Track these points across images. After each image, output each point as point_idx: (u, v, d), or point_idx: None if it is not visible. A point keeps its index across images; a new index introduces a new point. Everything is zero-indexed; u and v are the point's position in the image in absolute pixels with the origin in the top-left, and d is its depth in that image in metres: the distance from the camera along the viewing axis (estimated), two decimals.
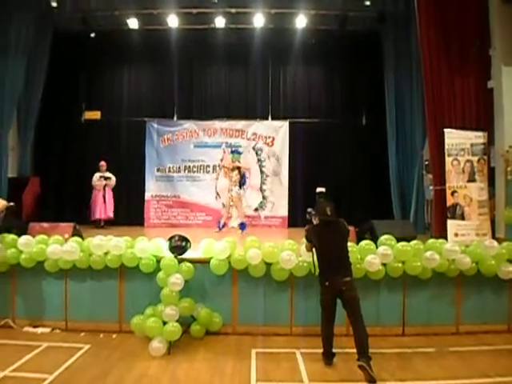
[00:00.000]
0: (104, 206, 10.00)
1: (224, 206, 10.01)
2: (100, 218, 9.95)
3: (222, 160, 11.06)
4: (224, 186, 10.57)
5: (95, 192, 10.07)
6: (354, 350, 4.34)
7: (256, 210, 11.09)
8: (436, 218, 7.81)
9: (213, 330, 5.46)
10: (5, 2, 8.43)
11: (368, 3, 9.28)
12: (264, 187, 11.14)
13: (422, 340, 5.36)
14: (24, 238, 5.79)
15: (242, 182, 10.08)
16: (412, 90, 9.64)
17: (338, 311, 4.60)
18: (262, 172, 11.17)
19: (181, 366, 4.59)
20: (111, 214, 10.10)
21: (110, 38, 10.98)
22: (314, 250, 4.76)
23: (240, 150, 11.02)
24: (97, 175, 10.09)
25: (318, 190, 5.11)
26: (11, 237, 5.88)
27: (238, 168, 10.08)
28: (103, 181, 10.05)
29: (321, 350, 4.68)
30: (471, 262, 5.54)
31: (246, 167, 10.71)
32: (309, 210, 4.97)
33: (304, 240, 5.01)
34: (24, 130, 10.52)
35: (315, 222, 4.83)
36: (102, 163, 10.18)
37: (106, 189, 10.13)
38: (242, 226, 9.65)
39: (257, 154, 11.16)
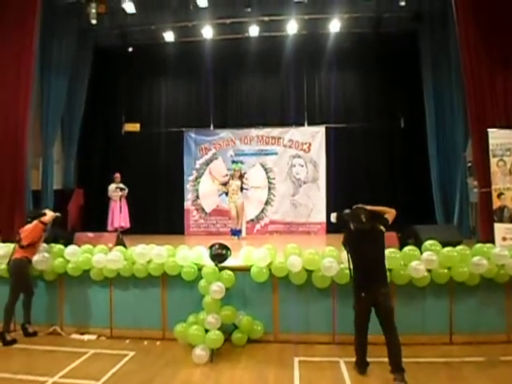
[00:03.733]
0: (120, 215, 10.21)
1: (232, 216, 10.01)
2: (117, 227, 10.11)
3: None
4: (207, 191, 10.91)
5: (112, 203, 10.24)
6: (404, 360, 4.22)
7: (256, 218, 11.19)
8: (482, 221, 7.51)
9: (254, 337, 5.44)
10: (47, 23, 8.80)
11: (403, 3, 9.10)
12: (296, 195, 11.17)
13: (471, 349, 5.13)
14: (70, 248, 6.00)
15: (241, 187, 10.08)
16: (452, 90, 9.36)
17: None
18: (292, 182, 11.19)
19: (224, 374, 4.60)
20: (127, 224, 10.24)
21: (147, 52, 11.30)
22: (349, 256, 4.64)
23: (241, 159, 10.93)
24: (113, 186, 10.26)
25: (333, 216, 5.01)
26: (58, 247, 6.12)
27: (241, 177, 10.05)
28: (119, 191, 10.25)
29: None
30: None
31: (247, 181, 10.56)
32: (346, 211, 4.79)
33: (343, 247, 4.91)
34: (68, 144, 10.96)
35: (352, 227, 4.64)
36: (117, 175, 10.34)
37: (122, 199, 10.33)
38: (237, 232, 9.78)
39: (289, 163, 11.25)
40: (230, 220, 10.14)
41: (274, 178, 11.25)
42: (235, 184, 9.87)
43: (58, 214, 6.20)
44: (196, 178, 11.43)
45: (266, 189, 11.25)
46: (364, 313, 4.45)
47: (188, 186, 11.42)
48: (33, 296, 5.79)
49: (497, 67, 7.46)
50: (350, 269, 4.63)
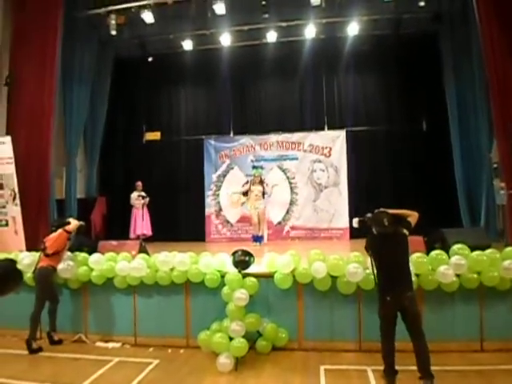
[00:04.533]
0: (142, 223, 10.25)
1: (253, 222, 9.94)
2: (139, 234, 10.13)
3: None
4: (229, 203, 10.91)
5: (134, 210, 10.31)
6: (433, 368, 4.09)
7: (279, 223, 11.11)
8: (511, 223, 7.30)
9: (279, 345, 5.36)
10: (68, 35, 8.98)
11: (422, 4, 8.98)
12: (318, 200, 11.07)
13: (503, 356, 4.94)
14: (94, 256, 6.04)
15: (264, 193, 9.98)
16: (475, 90, 9.15)
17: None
18: (314, 187, 11.09)
19: (248, 382, 4.53)
20: (149, 232, 10.29)
21: (166, 61, 11.42)
22: (373, 260, 4.54)
23: (261, 164, 10.92)
24: (135, 194, 10.35)
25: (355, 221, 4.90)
26: (82, 255, 6.16)
27: (261, 183, 9.95)
28: (141, 199, 10.32)
29: None
30: None
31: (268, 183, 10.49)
32: (368, 215, 4.70)
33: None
34: (90, 153, 11.13)
35: (375, 231, 4.54)
36: (138, 183, 10.42)
37: (144, 207, 10.37)
38: (258, 238, 9.71)
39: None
40: (252, 226, 10.09)
41: (293, 178, 11.16)
42: (257, 189, 9.78)
43: (81, 222, 6.27)
44: (215, 191, 11.43)
45: (288, 188, 11.15)
46: (390, 318, 4.33)
47: (209, 200, 11.44)
48: (58, 304, 5.84)
49: None
50: (374, 274, 4.54)
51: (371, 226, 4.57)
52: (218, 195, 11.44)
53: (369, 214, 4.65)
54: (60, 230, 5.90)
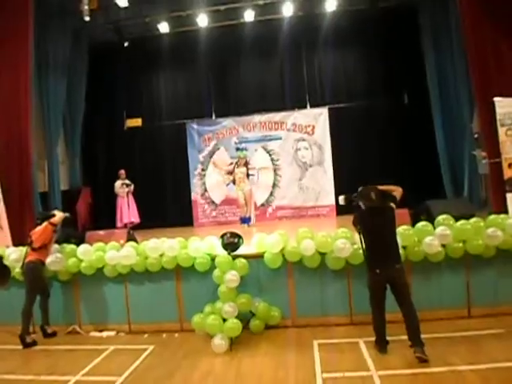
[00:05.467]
0: (128, 211, 10.21)
1: (240, 204, 10.06)
2: (127, 222, 10.09)
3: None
4: (214, 183, 10.79)
5: (119, 199, 10.21)
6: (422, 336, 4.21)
7: (263, 205, 11.15)
8: (494, 192, 7.39)
9: (272, 323, 5.44)
10: (41, 23, 8.71)
11: None
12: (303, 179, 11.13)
13: (490, 321, 5.08)
14: (83, 247, 6.00)
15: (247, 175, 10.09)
16: (454, 61, 9.17)
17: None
18: (299, 165, 11.12)
19: (244, 362, 4.60)
20: (137, 219, 10.23)
21: (143, 45, 11.22)
22: (361, 236, 4.62)
23: (244, 146, 10.93)
24: (119, 183, 10.23)
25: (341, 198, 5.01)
26: (70, 247, 6.12)
27: (246, 165, 10.01)
28: (125, 187, 10.25)
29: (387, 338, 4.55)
30: None
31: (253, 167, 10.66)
32: (354, 195, 4.80)
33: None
34: (71, 144, 10.96)
35: (363, 206, 4.66)
36: (122, 171, 10.29)
37: (129, 195, 10.32)
38: (246, 219, 9.84)
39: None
40: (239, 208, 10.12)
41: (278, 160, 11.18)
42: (241, 171, 9.85)
43: (67, 214, 6.22)
44: (202, 170, 11.40)
45: (271, 171, 11.19)
46: (379, 290, 4.44)
47: (195, 181, 11.41)
48: (49, 297, 5.83)
49: (500, 35, 7.27)
50: (362, 248, 4.62)
51: (358, 201, 4.67)
52: (205, 175, 11.40)
53: (355, 194, 4.76)
54: (45, 223, 5.84)
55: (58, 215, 6.00)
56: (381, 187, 4.62)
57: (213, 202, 11.31)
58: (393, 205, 4.55)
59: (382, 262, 4.39)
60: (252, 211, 10.08)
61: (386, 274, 4.36)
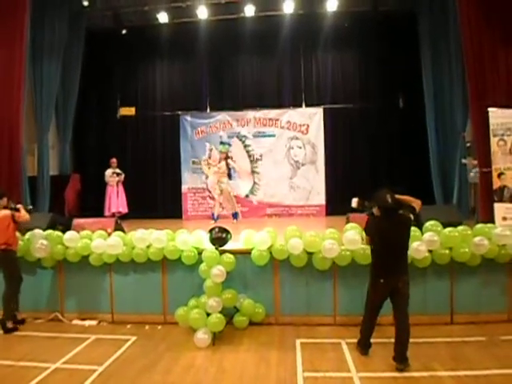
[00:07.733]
0: (117, 200, 10.15)
1: (215, 198, 10.16)
2: (115, 212, 10.02)
3: (209, 157, 11.09)
4: (214, 182, 10.68)
5: (109, 188, 10.16)
6: None
7: (247, 196, 11.13)
8: (482, 201, 7.46)
9: (256, 320, 5.45)
10: (37, 6, 8.58)
11: None
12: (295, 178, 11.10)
13: (472, 328, 5.16)
14: (69, 234, 5.94)
15: (229, 174, 10.11)
16: (451, 69, 9.21)
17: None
18: (291, 164, 11.09)
19: (226, 357, 4.61)
20: (125, 209, 10.18)
21: (141, 34, 11.08)
22: (370, 242, 4.51)
23: (227, 140, 10.97)
24: (109, 171, 10.18)
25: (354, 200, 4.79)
26: (56, 233, 6.04)
27: (226, 158, 10.03)
28: (115, 177, 10.18)
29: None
30: None
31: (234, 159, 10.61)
32: (367, 202, 4.63)
33: (363, 234, 4.76)
34: (63, 129, 10.82)
35: (376, 212, 4.44)
36: (113, 160, 10.26)
37: (119, 184, 10.26)
38: (235, 215, 9.99)
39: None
40: (214, 202, 10.27)
41: (249, 145, 11.12)
42: (219, 167, 9.97)
43: (30, 206, 6.13)
44: (193, 163, 11.32)
45: (247, 159, 11.13)
46: (380, 299, 4.40)
47: (186, 173, 11.26)
48: (21, 283, 5.64)
49: (498, 45, 7.33)
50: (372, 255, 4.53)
51: (372, 207, 4.50)
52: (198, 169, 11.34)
53: (367, 202, 4.64)
54: (5, 212, 5.56)
55: (22, 212, 5.66)
56: (399, 196, 4.44)
57: (202, 197, 11.26)
58: (411, 215, 4.40)
59: (390, 272, 4.29)
60: (235, 205, 10.25)
61: (391, 285, 4.29)
